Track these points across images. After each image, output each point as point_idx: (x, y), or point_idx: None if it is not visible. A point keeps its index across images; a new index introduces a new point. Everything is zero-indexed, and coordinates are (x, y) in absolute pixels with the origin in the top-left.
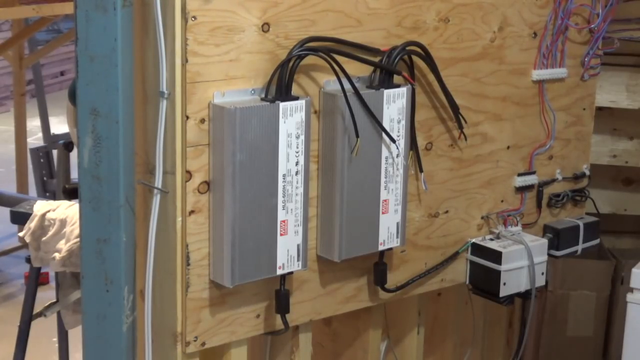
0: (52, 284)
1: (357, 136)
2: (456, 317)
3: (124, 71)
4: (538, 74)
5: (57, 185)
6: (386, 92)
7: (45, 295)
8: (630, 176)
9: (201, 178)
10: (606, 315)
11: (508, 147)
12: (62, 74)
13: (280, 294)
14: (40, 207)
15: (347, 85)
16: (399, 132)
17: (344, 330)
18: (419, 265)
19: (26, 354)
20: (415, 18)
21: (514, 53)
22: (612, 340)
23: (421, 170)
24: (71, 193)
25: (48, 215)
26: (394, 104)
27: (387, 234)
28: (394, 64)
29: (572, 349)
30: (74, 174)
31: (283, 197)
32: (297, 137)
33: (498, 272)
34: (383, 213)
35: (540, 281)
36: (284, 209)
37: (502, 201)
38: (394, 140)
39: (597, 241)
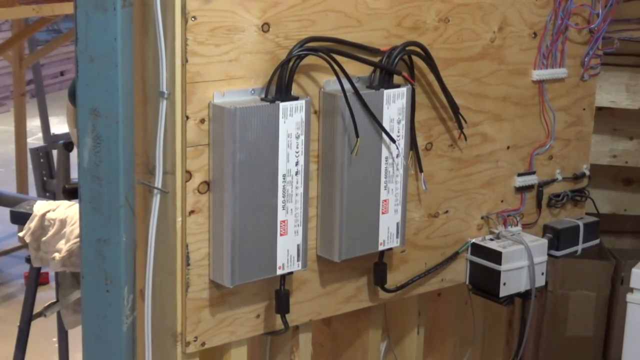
0: (52, 284)
1: (357, 136)
2: (456, 317)
3: (124, 71)
4: (538, 74)
5: (57, 185)
6: (386, 92)
7: (45, 295)
8: (630, 176)
9: (201, 178)
10: (606, 315)
11: (508, 147)
12: (62, 74)
13: (280, 294)
14: (40, 207)
15: (347, 85)
16: (399, 132)
17: (344, 330)
18: (419, 265)
19: (26, 354)
20: (415, 18)
21: (514, 53)
22: (612, 340)
23: (421, 170)
24: (71, 193)
25: (48, 215)
26: (394, 104)
27: (387, 234)
28: (394, 64)
29: (572, 349)
30: (74, 174)
31: (283, 197)
32: (297, 137)
33: (498, 272)
34: (383, 213)
35: (540, 281)
36: (284, 209)
37: (502, 201)
38: (394, 140)
39: (597, 241)
